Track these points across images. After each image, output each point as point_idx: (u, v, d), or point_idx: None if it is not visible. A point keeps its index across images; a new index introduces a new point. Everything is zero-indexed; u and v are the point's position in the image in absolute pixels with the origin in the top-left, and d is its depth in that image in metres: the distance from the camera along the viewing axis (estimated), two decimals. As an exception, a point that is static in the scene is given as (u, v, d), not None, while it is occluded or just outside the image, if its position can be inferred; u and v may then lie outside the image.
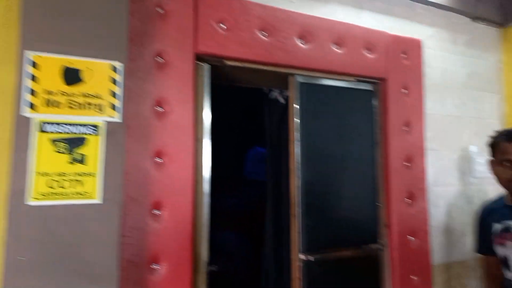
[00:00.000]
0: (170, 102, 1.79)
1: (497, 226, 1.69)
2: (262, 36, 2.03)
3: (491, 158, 1.73)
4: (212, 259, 1.87)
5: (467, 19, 2.89)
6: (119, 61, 1.60)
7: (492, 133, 1.77)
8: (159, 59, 1.79)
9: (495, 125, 2.96)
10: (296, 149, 2.13)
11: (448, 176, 2.67)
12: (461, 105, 2.79)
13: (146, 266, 1.62)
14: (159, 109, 1.77)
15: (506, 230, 1.64)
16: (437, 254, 2.50)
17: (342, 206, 2.23)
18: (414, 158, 2.39)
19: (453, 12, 2.80)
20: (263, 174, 3.72)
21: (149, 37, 1.77)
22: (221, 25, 1.95)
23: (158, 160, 1.72)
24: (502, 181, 1.63)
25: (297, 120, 2.15)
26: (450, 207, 2.65)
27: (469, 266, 2.71)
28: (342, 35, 2.24)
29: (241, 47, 1.98)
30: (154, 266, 1.64)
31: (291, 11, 2.12)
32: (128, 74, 1.64)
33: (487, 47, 2.98)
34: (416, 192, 2.35)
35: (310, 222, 2.10)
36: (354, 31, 2.29)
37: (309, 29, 2.15)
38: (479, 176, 2.83)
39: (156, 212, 1.68)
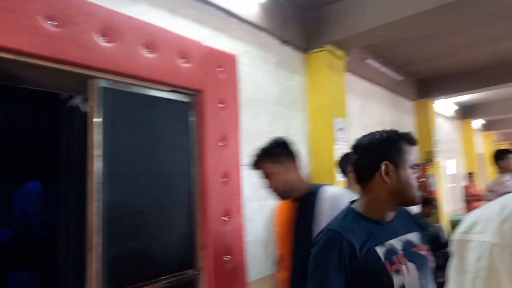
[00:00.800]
0: None
1: (380, 250, 1.20)
2: (49, 26, 1.62)
3: (388, 162, 1.21)
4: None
5: (277, 41, 3.11)
6: None
7: (379, 133, 1.26)
8: None
9: (302, 141, 3.26)
10: (96, 168, 1.77)
11: (263, 191, 2.75)
12: (273, 122, 2.95)
13: None
14: None
15: (393, 252, 1.21)
16: (253, 269, 2.51)
17: (154, 230, 1.97)
18: (231, 174, 2.34)
19: (264, 32, 2.97)
20: (37, 215, 3.19)
21: None
22: (-13, 4, 1.45)
23: None
24: (412, 188, 1.23)
25: (99, 132, 1.79)
26: (265, 221, 2.72)
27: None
28: (154, 38, 2.02)
29: (17, 36, 1.52)
30: None
31: (89, 1, 1.77)
32: None
33: (294, 69, 3.28)
34: (232, 209, 2.30)
35: (114, 253, 1.76)
36: (168, 36, 2.10)
37: (113, 26, 1.84)
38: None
39: None
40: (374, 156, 1.21)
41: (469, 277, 0.65)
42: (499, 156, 3.65)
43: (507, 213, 0.62)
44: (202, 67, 2.27)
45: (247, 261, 2.41)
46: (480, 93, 7.12)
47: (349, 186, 2.62)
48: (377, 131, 1.24)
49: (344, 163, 2.66)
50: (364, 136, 1.26)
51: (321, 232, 1.20)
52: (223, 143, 2.34)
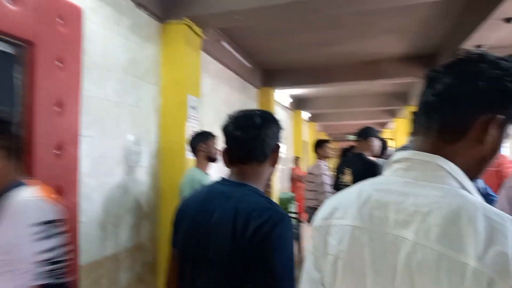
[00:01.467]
0: None
1: None
2: None
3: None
4: None
5: (131, 4, 2.82)
6: None
7: (264, 112, 1.18)
8: None
9: (152, 116, 3.09)
10: None
11: (105, 166, 2.50)
12: (122, 92, 2.69)
13: None
14: None
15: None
16: (87, 252, 2.26)
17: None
18: (66, 146, 2.02)
19: (119, -10, 2.64)
20: None
21: None
22: None
23: None
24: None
25: None
26: (105, 200, 2.48)
27: (122, 259, 2.66)
28: (-33, -37, 1.54)
29: None
30: None
31: None
32: None
33: (148, 38, 3.04)
34: (66, 186, 2.00)
35: None
36: (-11, -35, 1.64)
37: None
38: (136, 166, 2.84)
39: None
40: (277, 137, 1.15)
41: (330, 259, 0.71)
42: (318, 144, 4.34)
43: (365, 199, 0.70)
44: (36, 14, 1.86)
45: (80, 243, 2.16)
46: (310, 89, 8.19)
47: (198, 165, 2.62)
48: (255, 110, 1.16)
49: (195, 141, 2.64)
50: (246, 112, 1.14)
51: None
52: (59, 109, 2.00)
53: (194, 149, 2.64)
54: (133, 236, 2.81)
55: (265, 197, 1.08)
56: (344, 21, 4.18)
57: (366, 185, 0.73)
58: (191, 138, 2.68)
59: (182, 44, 3.19)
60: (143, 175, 2.96)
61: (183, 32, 3.19)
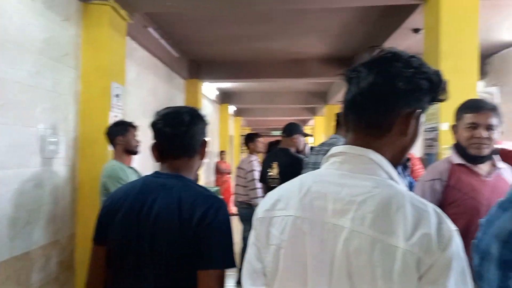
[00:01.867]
0: None
1: None
2: None
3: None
4: None
5: (49, -22, 2.55)
6: None
7: (193, 107, 1.28)
8: None
9: (71, 102, 2.84)
10: None
11: (16, 156, 2.24)
12: (36, 74, 2.43)
13: None
14: None
15: None
16: (-7, 252, 2.02)
17: None
18: (-31, 131, 1.78)
19: (35, -39, 2.37)
20: None
21: None
22: None
23: None
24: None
25: None
26: (16, 193, 2.23)
27: (34, 258, 2.42)
28: None
29: None
30: None
31: None
32: None
33: (67, 16, 2.78)
34: (-32, 177, 1.76)
35: None
36: None
37: None
38: (51, 157, 2.60)
39: None
40: (204, 133, 1.21)
41: (272, 249, 0.73)
42: (249, 138, 4.28)
43: (305, 190, 0.74)
44: None
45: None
46: (236, 83, 8.25)
47: (116, 157, 2.45)
48: (182, 107, 1.19)
49: (112, 133, 2.45)
50: (175, 109, 1.17)
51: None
52: (-41, 89, 1.75)
53: (112, 141, 2.47)
54: (47, 233, 2.57)
55: (202, 186, 1.16)
56: (272, 17, 4.28)
57: (307, 178, 0.77)
58: (107, 129, 2.49)
59: (106, 26, 2.98)
60: (59, 167, 2.72)
61: (107, 14, 2.98)
